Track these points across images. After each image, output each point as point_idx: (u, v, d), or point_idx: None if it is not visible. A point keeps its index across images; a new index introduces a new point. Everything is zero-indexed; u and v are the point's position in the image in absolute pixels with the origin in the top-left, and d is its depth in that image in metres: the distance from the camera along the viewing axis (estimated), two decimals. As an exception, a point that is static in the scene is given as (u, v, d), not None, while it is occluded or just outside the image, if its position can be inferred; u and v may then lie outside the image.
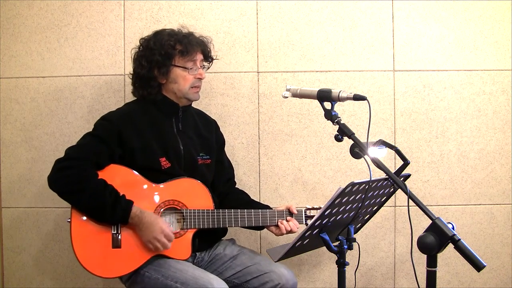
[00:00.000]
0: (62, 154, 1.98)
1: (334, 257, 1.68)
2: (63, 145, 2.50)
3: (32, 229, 2.56)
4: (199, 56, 2.13)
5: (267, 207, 2.15)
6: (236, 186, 2.36)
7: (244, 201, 2.23)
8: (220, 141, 2.32)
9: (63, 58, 2.54)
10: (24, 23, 2.54)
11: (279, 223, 2.08)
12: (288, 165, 2.55)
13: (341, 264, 1.66)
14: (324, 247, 1.67)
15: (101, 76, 2.54)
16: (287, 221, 2.09)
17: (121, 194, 1.93)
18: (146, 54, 2.08)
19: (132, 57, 2.16)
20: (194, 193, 2.04)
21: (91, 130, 2.05)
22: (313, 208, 2.16)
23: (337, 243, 1.69)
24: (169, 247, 1.94)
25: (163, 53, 2.05)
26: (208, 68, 2.23)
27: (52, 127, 2.55)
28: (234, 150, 2.53)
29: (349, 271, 1.73)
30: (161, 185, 2.02)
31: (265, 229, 2.15)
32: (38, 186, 2.54)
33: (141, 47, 2.13)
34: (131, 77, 2.17)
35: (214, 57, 2.22)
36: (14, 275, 2.57)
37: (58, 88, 2.54)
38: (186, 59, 2.08)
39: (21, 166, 2.55)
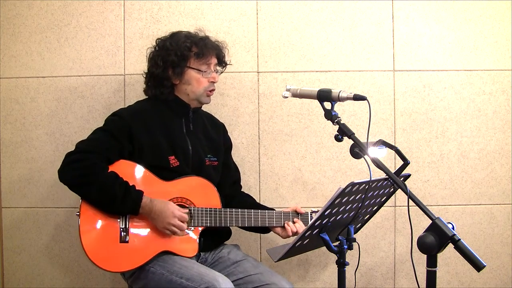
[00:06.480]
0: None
1: (334, 257, 1.68)
2: (63, 145, 2.51)
3: (32, 229, 2.56)
4: (214, 60, 2.16)
5: (272, 210, 2.16)
6: (242, 190, 2.38)
7: (249, 203, 2.25)
8: (227, 144, 2.34)
9: (63, 58, 2.54)
10: (24, 23, 2.54)
11: (285, 225, 2.09)
12: (288, 165, 2.55)
13: (341, 264, 1.66)
14: (324, 247, 1.67)
15: (101, 76, 2.54)
16: (293, 222, 2.10)
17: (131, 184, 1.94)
18: (161, 54, 2.11)
19: (147, 56, 2.18)
20: (202, 192, 2.06)
21: (92, 130, 2.06)
22: (319, 212, 2.15)
23: (337, 243, 1.69)
24: (185, 228, 1.96)
25: (178, 54, 2.07)
26: (222, 72, 2.25)
27: (52, 127, 2.55)
28: (234, 150, 2.52)
29: (349, 271, 1.73)
30: (170, 182, 2.03)
31: (270, 231, 2.16)
32: (38, 186, 2.54)
33: (157, 47, 2.15)
34: (144, 76, 2.19)
35: (227, 62, 2.24)
36: (14, 275, 2.56)
37: (58, 88, 2.54)
38: (201, 61, 2.11)
39: (21, 166, 2.55)
